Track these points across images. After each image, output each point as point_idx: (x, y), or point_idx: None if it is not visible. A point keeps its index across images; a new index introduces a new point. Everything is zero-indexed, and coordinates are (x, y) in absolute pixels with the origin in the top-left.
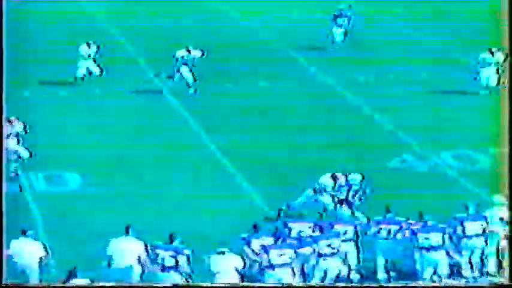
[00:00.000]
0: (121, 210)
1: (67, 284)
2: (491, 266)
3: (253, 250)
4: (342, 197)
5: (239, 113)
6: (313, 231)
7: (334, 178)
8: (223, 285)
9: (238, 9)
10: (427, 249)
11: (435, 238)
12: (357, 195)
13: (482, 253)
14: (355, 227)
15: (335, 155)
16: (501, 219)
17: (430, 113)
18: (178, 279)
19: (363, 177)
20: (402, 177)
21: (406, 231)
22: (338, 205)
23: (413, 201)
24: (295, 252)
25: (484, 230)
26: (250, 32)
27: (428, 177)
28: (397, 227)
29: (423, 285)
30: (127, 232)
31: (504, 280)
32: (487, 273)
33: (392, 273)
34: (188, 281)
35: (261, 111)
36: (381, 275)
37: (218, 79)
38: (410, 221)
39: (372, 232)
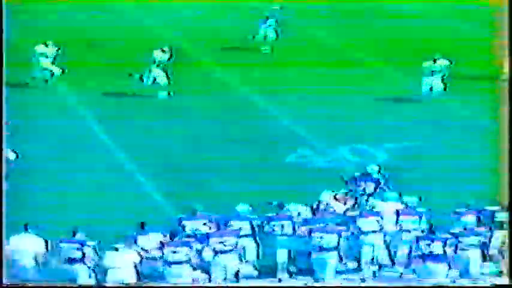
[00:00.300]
0: (20, 208)
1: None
2: (385, 259)
3: (142, 248)
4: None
5: (139, 112)
6: (210, 228)
7: (342, 200)
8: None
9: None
10: (320, 249)
11: (329, 239)
12: (380, 185)
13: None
14: (251, 223)
15: (234, 151)
16: (396, 212)
17: (328, 108)
18: (84, 270)
19: (380, 167)
20: (300, 173)
21: (303, 227)
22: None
23: (311, 197)
24: (190, 249)
25: (380, 226)
26: (148, 29)
27: (325, 172)
28: (290, 222)
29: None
30: (26, 229)
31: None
32: (383, 266)
33: (292, 269)
34: (96, 273)
35: (161, 109)
36: (281, 271)
37: (120, 78)
38: (304, 217)
39: (266, 229)
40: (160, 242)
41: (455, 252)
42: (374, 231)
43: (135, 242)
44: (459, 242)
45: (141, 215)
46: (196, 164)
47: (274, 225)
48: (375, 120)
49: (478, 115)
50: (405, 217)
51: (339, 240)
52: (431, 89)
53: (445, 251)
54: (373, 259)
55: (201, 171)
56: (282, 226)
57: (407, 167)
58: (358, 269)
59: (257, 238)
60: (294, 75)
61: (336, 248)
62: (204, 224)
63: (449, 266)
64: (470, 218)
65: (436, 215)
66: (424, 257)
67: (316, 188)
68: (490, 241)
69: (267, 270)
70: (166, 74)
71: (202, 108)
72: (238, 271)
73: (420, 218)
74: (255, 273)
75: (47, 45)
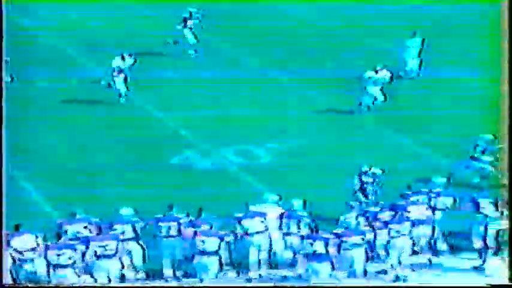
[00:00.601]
0: None
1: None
2: (271, 260)
3: (15, 249)
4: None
5: (22, 113)
6: (90, 232)
7: None
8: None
9: None
10: (202, 253)
11: (211, 243)
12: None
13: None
14: (133, 226)
15: (118, 153)
16: (280, 215)
17: (212, 109)
18: None
19: (383, 171)
20: (184, 174)
21: (189, 229)
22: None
23: (196, 198)
24: (74, 252)
25: (265, 227)
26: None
27: (210, 173)
28: (176, 224)
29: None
30: None
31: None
32: (271, 267)
33: (178, 272)
34: None
35: (40, 109)
36: (168, 273)
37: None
38: (190, 218)
39: (154, 230)
40: (46, 245)
41: (339, 252)
42: (258, 232)
43: (8, 244)
44: (343, 241)
45: (22, 217)
46: (80, 166)
47: (161, 227)
48: (260, 121)
49: (357, 114)
50: (287, 220)
51: (220, 244)
52: (375, 98)
53: (327, 251)
54: (259, 261)
55: (84, 174)
56: (169, 228)
57: (291, 168)
58: (245, 269)
59: (140, 241)
60: (181, 77)
61: (217, 252)
62: (85, 227)
63: (332, 265)
64: (354, 218)
65: (320, 216)
66: (308, 257)
67: (201, 190)
68: (374, 240)
69: (154, 272)
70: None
71: (86, 110)
72: (123, 275)
73: (300, 220)
74: (142, 276)
75: None
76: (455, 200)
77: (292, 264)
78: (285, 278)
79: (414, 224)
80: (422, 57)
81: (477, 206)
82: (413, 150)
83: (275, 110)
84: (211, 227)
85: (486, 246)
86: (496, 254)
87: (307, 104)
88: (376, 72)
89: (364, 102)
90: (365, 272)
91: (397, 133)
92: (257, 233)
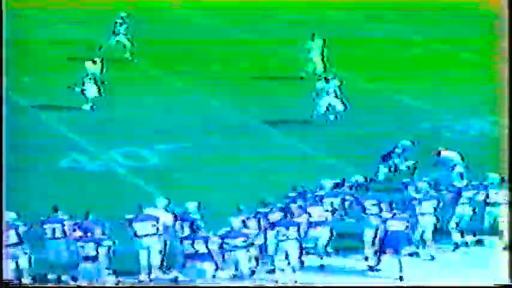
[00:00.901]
0: None
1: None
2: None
3: None
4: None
5: None
6: None
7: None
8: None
9: None
10: (85, 259)
11: (89, 248)
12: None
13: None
14: (17, 231)
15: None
16: (174, 217)
17: (99, 110)
18: None
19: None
20: (73, 177)
21: (76, 232)
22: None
23: (85, 200)
24: None
25: (156, 229)
26: None
27: (98, 176)
28: (60, 226)
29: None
30: None
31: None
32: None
33: (64, 276)
34: None
35: None
36: (53, 277)
37: None
38: (77, 221)
39: (39, 232)
40: None
41: (222, 252)
42: (148, 235)
43: None
44: (225, 243)
45: None
46: None
47: (45, 229)
48: (148, 123)
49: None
50: (180, 222)
51: (97, 248)
52: (327, 108)
53: (209, 251)
54: (149, 263)
55: None
56: (54, 230)
57: (181, 170)
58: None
59: (25, 245)
60: (74, 79)
61: (96, 256)
62: None
63: (216, 265)
64: (239, 220)
65: (211, 218)
66: (193, 258)
67: (89, 192)
68: (265, 242)
69: (40, 277)
70: (98, 86)
71: None
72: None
73: (193, 223)
74: (28, 280)
75: None
76: (343, 201)
77: (183, 266)
78: (175, 279)
79: (299, 225)
80: (325, 58)
81: (363, 207)
82: (302, 151)
83: (163, 112)
84: (92, 232)
85: (378, 247)
86: (385, 253)
87: (196, 106)
88: (327, 81)
89: (318, 112)
90: (253, 273)
91: (285, 133)
92: (146, 235)
